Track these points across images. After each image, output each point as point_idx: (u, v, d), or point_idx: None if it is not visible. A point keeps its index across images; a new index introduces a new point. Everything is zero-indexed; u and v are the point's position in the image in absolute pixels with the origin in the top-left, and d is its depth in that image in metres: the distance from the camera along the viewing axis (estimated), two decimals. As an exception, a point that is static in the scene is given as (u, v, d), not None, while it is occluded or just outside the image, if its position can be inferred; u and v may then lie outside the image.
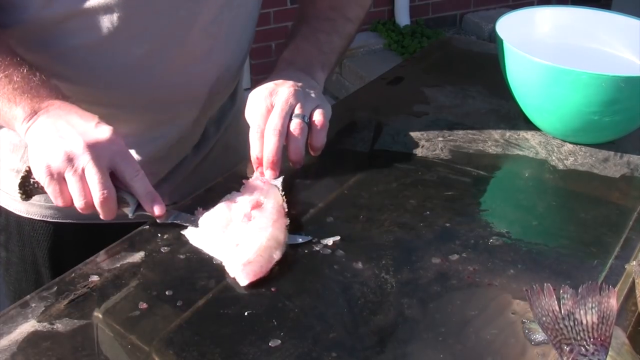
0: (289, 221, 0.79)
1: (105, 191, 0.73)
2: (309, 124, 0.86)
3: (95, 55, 0.85)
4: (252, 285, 0.70)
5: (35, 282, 1.03)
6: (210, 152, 1.07)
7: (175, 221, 0.79)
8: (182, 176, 1.04)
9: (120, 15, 0.82)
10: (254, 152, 0.86)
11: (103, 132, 0.75)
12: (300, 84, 0.88)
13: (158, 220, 0.78)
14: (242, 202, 0.80)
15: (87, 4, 0.81)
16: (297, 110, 0.86)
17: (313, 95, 0.88)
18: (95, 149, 0.73)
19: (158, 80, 0.89)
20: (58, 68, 0.86)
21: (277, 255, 0.74)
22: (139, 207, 0.77)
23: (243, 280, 0.70)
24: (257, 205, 0.79)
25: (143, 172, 0.77)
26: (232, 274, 0.71)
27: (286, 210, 0.80)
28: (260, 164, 0.85)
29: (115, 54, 0.85)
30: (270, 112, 0.85)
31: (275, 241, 0.75)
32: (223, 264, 0.73)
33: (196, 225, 0.78)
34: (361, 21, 1.04)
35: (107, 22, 0.82)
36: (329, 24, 0.99)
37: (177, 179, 1.03)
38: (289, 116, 0.85)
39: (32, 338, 0.65)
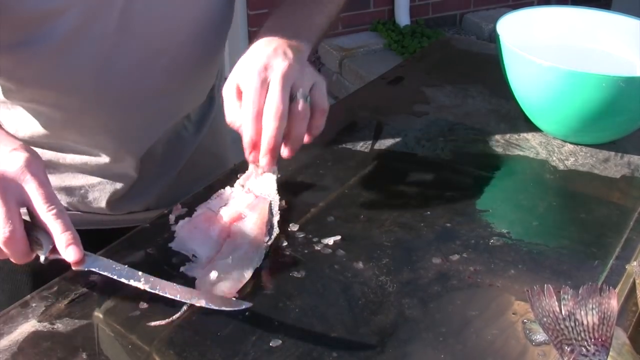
0: (269, 239, 0.75)
1: (7, 229, 0.63)
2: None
3: (59, 56, 0.81)
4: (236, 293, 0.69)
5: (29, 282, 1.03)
6: (191, 159, 1.03)
7: (93, 269, 0.68)
8: (162, 185, 1.01)
9: (81, 12, 0.78)
10: (248, 134, 0.75)
11: (15, 160, 0.66)
12: (293, 56, 0.77)
13: (74, 268, 0.67)
14: (223, 215, 0.77)
15: (50, 5, 0.76)
16: (299, 88, 0.75)
17: (308, 69, 0.78)
18: (2, 181, 0.65)
19: (122, 77, 0.86)
20: (23, 72, 0.82)
21: (247, 275, 0.71)
22: (55, 249, 0.66)
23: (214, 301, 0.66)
24: (238, 219, 0.77)
25: (62, 207, 0.67)
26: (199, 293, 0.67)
27: (274, 225, 0.76)
28: (255, 148, 0.75)
29: (79, 54, 0.81)
30: (265, 88, 0.74)
31: (248, 261, 0.72)
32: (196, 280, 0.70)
33: (119, 276, 0.68)
34: (345, 2, 0.96)
35: (70, 21, 0.78)
36: (312, 3, 0.90)
37: (157, 187, 1.01)
38: (289, 95, 0.75)
39: (33, 338, 0.65)
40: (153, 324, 0.65)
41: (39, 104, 0.87)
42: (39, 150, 0.72)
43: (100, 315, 0.67)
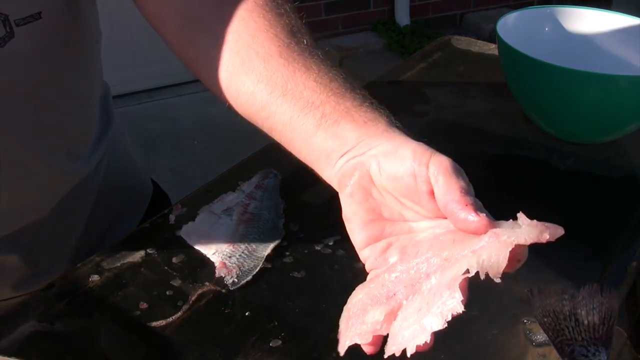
0: (275, 242, 0.77)
1: None
2: None
3: None
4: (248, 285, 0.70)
5: None
6: (97, 199, 0.85)
7: None
8: (73, 240, 0.84)
9: None
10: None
11: None
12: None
13: None
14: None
15: None
16: None
17: None
18: None
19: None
20: None
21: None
22: None
23: None
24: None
25: None
26: None
27: (280, 228, 0.79)
28: None
29: None
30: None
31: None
32: None
33: None
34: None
35: None
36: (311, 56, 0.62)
37: (68, 244, 0.84)
38: None
39: (33, 338, 0.64)
40: (153, 324, 0.65)
41: None
42: None
43: (101, 315, 0.67)
